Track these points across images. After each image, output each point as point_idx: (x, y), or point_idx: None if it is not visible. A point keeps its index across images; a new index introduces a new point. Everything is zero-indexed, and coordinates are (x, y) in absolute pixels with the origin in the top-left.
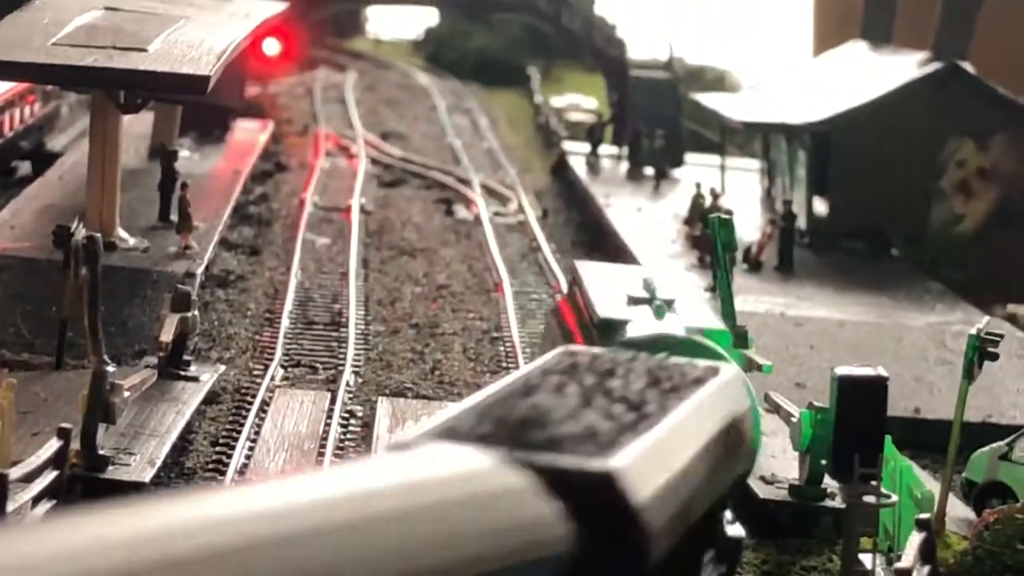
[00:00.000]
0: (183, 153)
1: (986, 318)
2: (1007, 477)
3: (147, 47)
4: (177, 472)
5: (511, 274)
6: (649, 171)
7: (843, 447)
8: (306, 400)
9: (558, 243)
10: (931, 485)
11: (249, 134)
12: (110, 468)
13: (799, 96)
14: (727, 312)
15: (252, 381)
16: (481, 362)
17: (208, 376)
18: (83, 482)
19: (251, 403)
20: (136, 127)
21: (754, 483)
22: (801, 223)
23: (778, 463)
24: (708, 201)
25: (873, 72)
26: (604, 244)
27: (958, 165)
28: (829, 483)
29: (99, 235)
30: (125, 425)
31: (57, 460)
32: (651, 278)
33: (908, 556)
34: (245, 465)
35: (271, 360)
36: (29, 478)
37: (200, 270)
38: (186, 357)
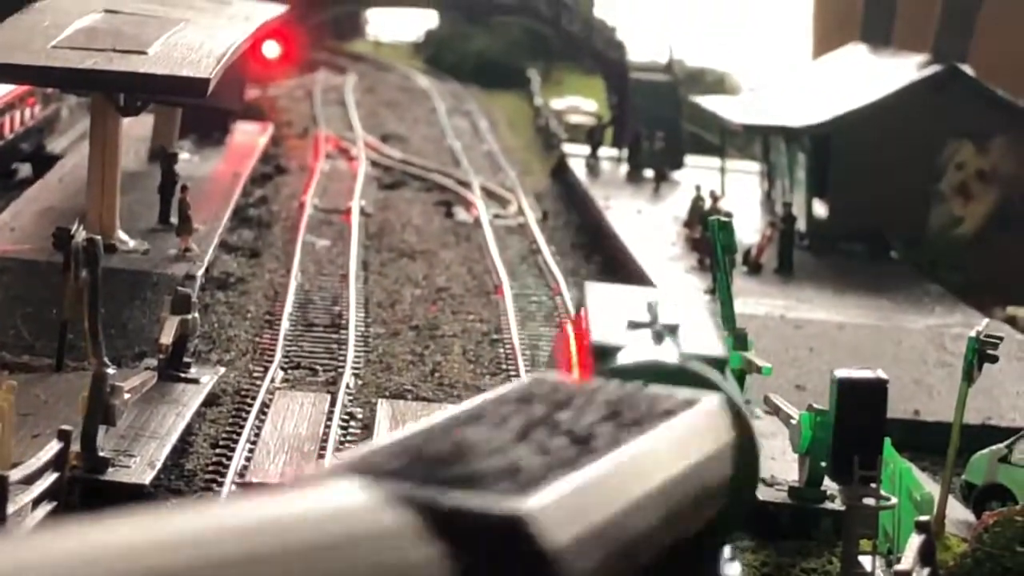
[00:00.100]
0: (183, 155)
1: (985, 320)
2: (1006, 479)
3: (147, 50)
4: (177, 474)
5: (511, 276)
6: (649, 173)
7: (843, 449)
8: (306, 402)
9: (558, 245)
10: (931, 487)
11: (249, 137)
12: (110, 470)
13: (799, 98)
14: (727, 315)
15: (252, 383)
16: (481, 364)
17: (208, 378)
18: (83, 484)
19: (251, 405)
20: (136, 130)
21: None
22: (801, 225)
23: (778, 465)
24: (708, 203)
25: (873, 74)
26: (604, 246)
27: (957, 167)
28: (829, 485)
29: (99, 237)
30: (125, 427)
31: (57, 462)
32: (656, 302)
33: (908, 558)
34: (245, 467)
35: (271, 362)
36: (29, 480)
37: (200, 272)
38: (186, 359)
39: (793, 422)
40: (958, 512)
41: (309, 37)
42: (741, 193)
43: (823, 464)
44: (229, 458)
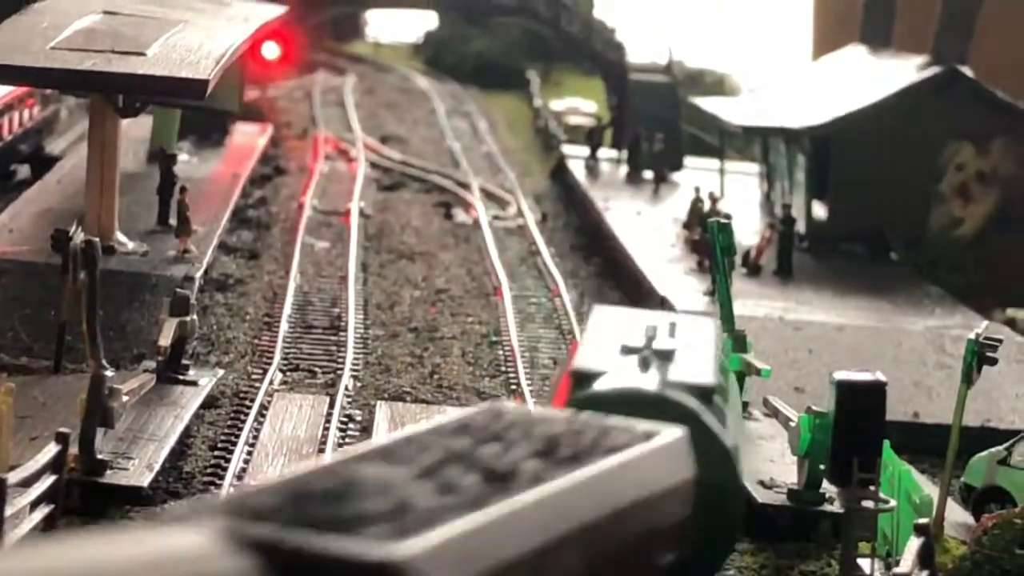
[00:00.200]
0: (182, 157)
1: (985, 322)
2: (1006, 482)
3: (146, 51)
4: (175, 476)
5: (510, 278)
6: (648, 175)
7: (842, 451)
8: (305, 404)
9: (557, 247)
10: (930, 489)
11: (248, 138)
12: (108, 472)
13: (798, 100)
14: (726, 316)
15: (251, 385)
16: (480, 366)
17: (207, 380)
18: (81, 486)
19: (250, 407)
20: (135, 131)
21: (753, 487)
22: (800, 227)
23: (777, 467)
24: (707, 205)
25: (872, 76)
26: (603, 248)
27: (957, 169)
28: (828, 487)
29: (98, 239)
30: (123, 429)
31: (55, 464)
32: (656, 326)
33: (907, 561)
34: (243, 469)
35: (270, 364)
36: (27, 482)
37: (199, 274)
38: (185, 361)
39: (792, 424)
40: (957, 514)
41: (308, 38)
42: (740, 194)
43: (822, 466)
44: (228, 460)
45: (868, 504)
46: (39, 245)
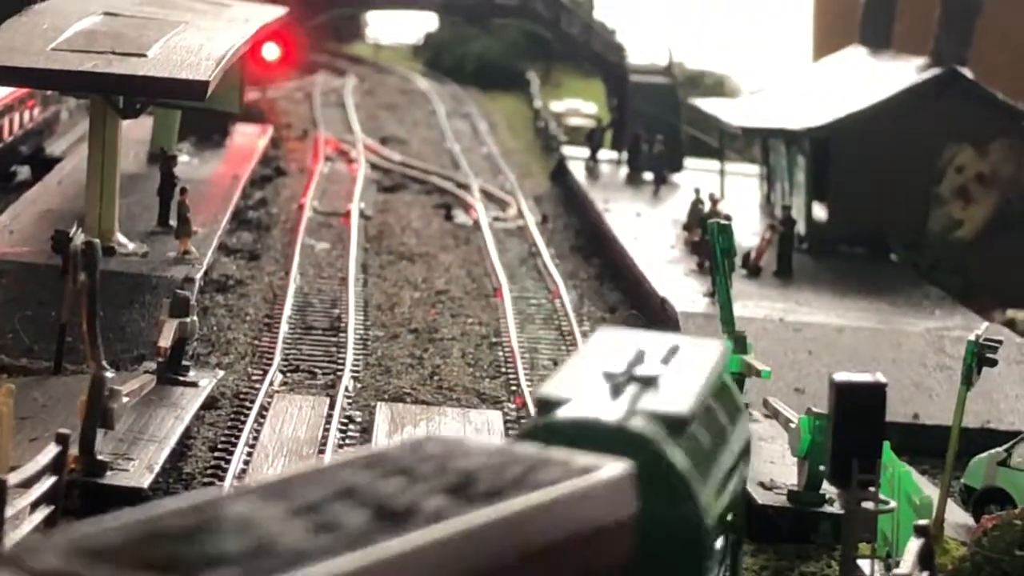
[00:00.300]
0: (182, 158)
1: (985, 324)
2: (1006, 483)
3: (146, 52)
4: (176, 477)
5: (510, 279)
6: (648, 176)
7: (841, 453)
8: (305, 405)
9: (557, 248)
10: (930, 491)
11: (248, 139)
12: (108, 473)
13: (798, 101)
14: (726, 317)
15: (251, 386)
16: (480, 367)
17: (207, 381)
18: (81, 487)
19: (250, 408)
20: (135, 132)
21: (753, 489)
22: (800, 228)
23: (777, 469)
24: (707, 206)
25: (872, 77)
26: (603, 249)
27: (957, 171)
28: (828, 489)
29: (98, 240)
30: (124, 430)
31: (55, 465)
32: (647, 351)
33: (907, 562)
34: (244, 470)
35: (270, 365)
36: (27, 484)
37: (199, 275)
38: (185, 362)
39: (792, 426)
40: (957, 516)
41: (308, 39)
42: (741, 196)
43: (822, 468)
44: (228, 461)
45: (868, 505)
46: (39, 246)
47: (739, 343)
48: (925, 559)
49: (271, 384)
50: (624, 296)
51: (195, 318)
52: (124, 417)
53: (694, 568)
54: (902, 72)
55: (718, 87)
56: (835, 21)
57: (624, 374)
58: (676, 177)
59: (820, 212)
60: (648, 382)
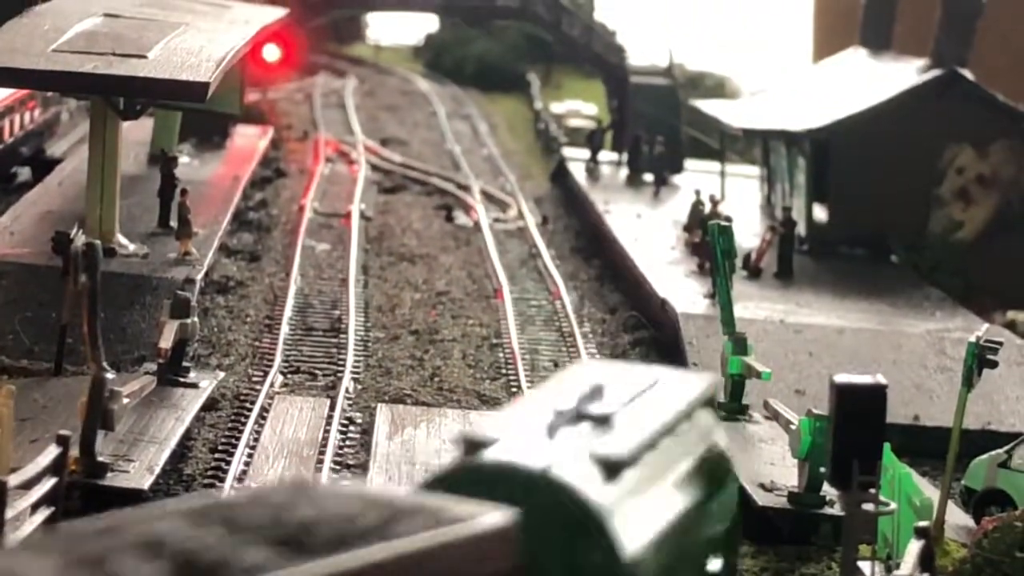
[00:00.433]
0: (183, 159)
1: (985, 325)
2: (1006, 485)
3: (147, 54)
4: (176, 479)
5: (511, 280)
6: (649, 177)
7: (842, 454)
8: (305, 407)
9: (557, 249)
10: (930, 492)
11: (249, 140)
12: (109, 475)
13: (799, 103)
14: (726, 319)
15: (251, 387)
16: (481, 369)
17: (207, 382)
18: (82, 489)
19: (250, 410)
20: (136, 133)
21: (753, 490)
22: (801, 230)
23: (777, 470)
24: (708, 208)
25: (873, 79)
26: (603, 250)
27: (958, 172)
28: (828, 491)
29: (98, 241)
30: (124, 432)
31: (56, 467)
32: (604, 386)
33: (907, 564)
34: (244, 472)
35: (270, 366)
36: (28, 485)
37: (200, 276)
38: (185, 363)
39: (792, 427)
40: (958, 517)
41: (309, 41)
42: (741, 197)
43: (822, 469)
44: (228, 463)
45: (869, 507)
46: (40, 247)
47: (739, 344)
48: (926, 561)
49: (272, 385)
50: (624, 297)
51: (196, 319)
52: (124, 418)
53: None
54: (903, 73)
55: (718, 88)
56: (835, 22)
57: (574, 412)
58: (676, 178)
59: (820, 213)
60: (600, 421)
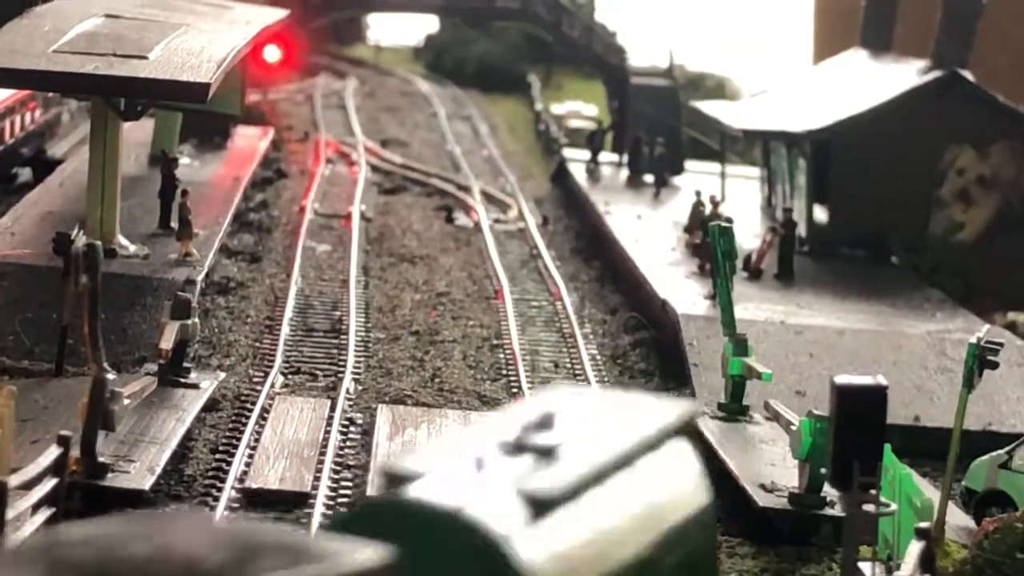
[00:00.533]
0: (183, 160)
1: (986, 326)
2: (1007, 486)
3: (147, 54)
4: (177, 479)
5: (511, 281)
6: (649, 178)
7: (842, 455)
8: (306, 407)
9: (558, 250)
10: (931, 493)
11: (249, 141)
12: (110, 475)
13: (799, 104)
14: (727, 320)
15: (252, 388)
16: (481, 369)
17: (208, 383)
18: (83, 489)
19: (251, 410)
20: (136, 134)
21: (754, 491)
22: (801, 231)
23: (778, 471)
24: (708, 209)
25: (873, 80)
26: (604, 251)
27: (958, 173)
28: (829, 491)
29: (99, 242)
30: (125, 432)
31: (57, 467)
32: (555, 414)
33: (908, 564)
34: (245, 472)
35: (271, 367)
36: (29, 486)
37: (200, 277)
38: (186, 364)
39: (793, 428)
40: (958, 518)
41: (310, 41)
42: (742, 198)
43: (823, 470)
44: (229, 463)
45: (869, 508)
46: (41, 248)
47: (740, 346)
48: (926, 562)
49: (272, 386)
50: (625, 298)
51: (196, 320)
52: (125, 419)
53: None
54: (903, 74)
55: (719, 89)
56: (836, 23)
57: (515, 443)
58: (677, 179)
59: (821, 214)
60: (543, 452)
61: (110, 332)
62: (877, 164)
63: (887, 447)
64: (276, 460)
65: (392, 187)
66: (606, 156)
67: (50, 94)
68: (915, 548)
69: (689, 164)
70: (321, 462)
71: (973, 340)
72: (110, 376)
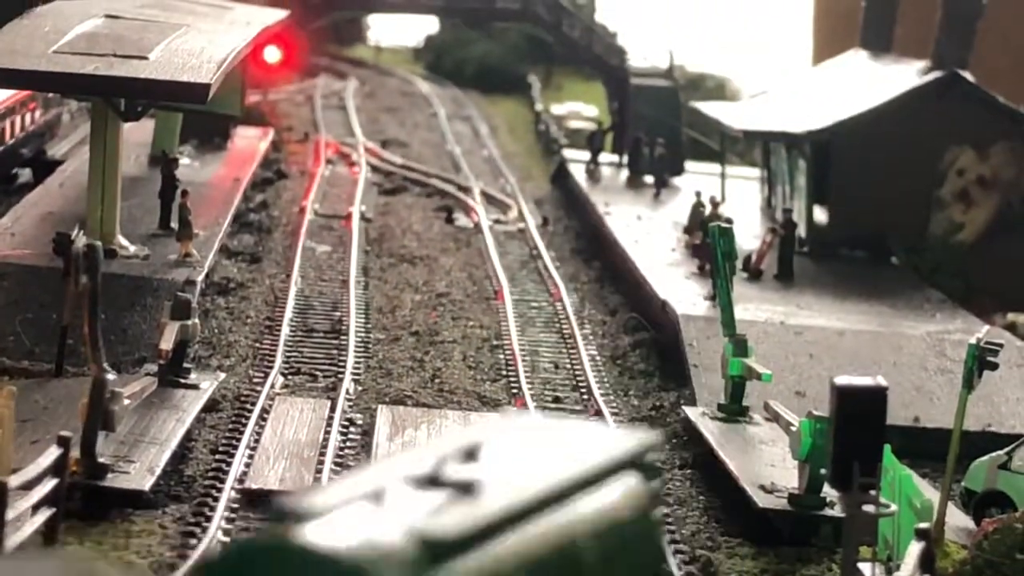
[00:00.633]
0: (183, 160)
1: (986, 327)
2: (1006, 486)
3: (148, 55)
4: (177, 480)
5: (511, 282)
6: (649, 179)
7: (842, 456)
8: (306, 408)
9: (558, 251)
10: (930, 494)
11: (249, 141)
12: (110, 476)
13: (799, 104)
14: (727, 321)
15: (252, 389)
16: (481, 370)
17: (208, 384)
18: (83, 490)
19: (251, 411)
20: (136, 135)
21: (753, 492)
22: (801, 231)
23: (778, 472)
24: (708, 209)
25: (873, 81)
26: (604, 252)
27: (958, 174)
28: (829, 492)
29: (99, 243)
30: (125, 433)
31: (57, 468)
32: (481, 444)
33: (908, 565)
34: (245, 473)
35: (271, 368)
36: (29, 486)
37: (200, 278)
38: (186, 365)
39: (793, 429)
40: (958, 519)
41: (310, 42)
42: (741, 199)
43: (823, 471)
44: (229, 464)
45: (869, 509)
46: (41, 249)
47: (740, 346)
48: (926, 562)
49: (272, 387)
50: (625, 299)
51: (196, 321)
52: (125, 419)
53: None
54: (903, 75)
55: (719, 90)
56: (836, 24)
57: (429, 476)
58: (677, 180)
59: (821, 215)
60: (460, 488)
61: (110, 332)
62: (877, 165)
63: (887, 448)
64: (276, 461)
65: (392, 188)
66: (606, 157)
67: (50, 95)
68: (915, 549)
69: (689, 165)
70: (321, 463)
71: (973, 341)
72: (110, 376)
